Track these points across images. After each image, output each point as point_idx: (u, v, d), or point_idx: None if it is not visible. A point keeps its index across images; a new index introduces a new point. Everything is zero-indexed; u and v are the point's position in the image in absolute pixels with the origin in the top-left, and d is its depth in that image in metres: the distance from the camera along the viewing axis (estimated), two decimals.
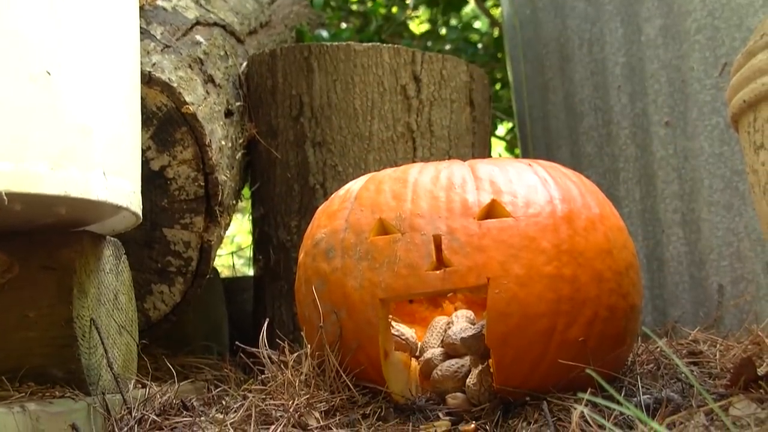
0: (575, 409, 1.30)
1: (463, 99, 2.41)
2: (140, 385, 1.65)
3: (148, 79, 1.90)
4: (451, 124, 2.37)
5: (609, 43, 2.42)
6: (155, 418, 1.47)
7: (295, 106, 2.32)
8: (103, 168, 1.43)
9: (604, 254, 1.51)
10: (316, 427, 1.41)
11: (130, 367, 1.66)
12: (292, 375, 1.56)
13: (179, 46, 2.08)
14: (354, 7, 4.37)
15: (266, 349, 1.66)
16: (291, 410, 1.45)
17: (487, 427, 1.42)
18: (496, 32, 4.20)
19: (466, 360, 1.54)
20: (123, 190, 1.49)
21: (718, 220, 2.21)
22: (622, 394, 1.47)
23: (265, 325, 1.73)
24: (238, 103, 2.31)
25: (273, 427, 1.40)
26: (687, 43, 2.27)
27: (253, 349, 1.68)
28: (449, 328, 1.62)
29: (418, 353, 1.63)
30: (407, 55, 2.33)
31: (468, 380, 1.51)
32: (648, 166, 2.34)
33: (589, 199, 1.56)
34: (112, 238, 1.64)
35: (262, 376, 1.64)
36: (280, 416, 1.45)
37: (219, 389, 1.72)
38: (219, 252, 2.62)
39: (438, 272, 1.48)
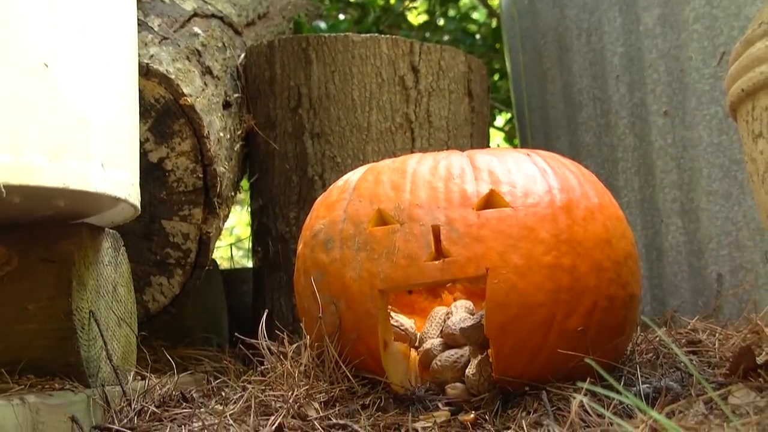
0: (574, 398, 1.31)
1: (462, 90, 2.41)
2: (140, 377, 1.65)
3: (146, 71, 1.89)
4: (449, 115, 2.37)
5: (607, 32, 2.42)
6: (155, 409, 1.47)
7: (293, 97, 2.32)
8: (102, 160, 1.42)
9: (603, 244, 1.51)
10: (316, 418, 1.41)
11: (129, 359, 1.66)
12: (291, 366, 1.56)
13: (177, 37, 2.08)
14: None
15: (265, 341, 1.66)
16: (290, 401, 1.45)
17: (487, 417, 1.42)
18: (494, 23, 4.19)
19: (466, 350, 1.54)
20: (122, 182, 1.49)
21: (717, 210, 2.21)
22: (622, 384, 1.47)
23: (264, 316, 1.73)
24: (236, 95, 2.30)
25: (272, 417, 1.40)
26: (685, 32, 2.26)
27: (253, 341, 1.68)
28: (448, 318, 1.62)
29: (417, 344, 1.64)
30: (405, 46, 2.32)
31: (467, 370, 1.51)
32: (647, 156, 2.34)
33: (588, 189, 1.56)
34: (110, 231, 1.64)
35: (262, 367, 1.64)
36: (280, 407, 1.45)
37: (218, 381, 1.72)
38: (218, 244, 2.62)
39: (437, 263, 1.48)
